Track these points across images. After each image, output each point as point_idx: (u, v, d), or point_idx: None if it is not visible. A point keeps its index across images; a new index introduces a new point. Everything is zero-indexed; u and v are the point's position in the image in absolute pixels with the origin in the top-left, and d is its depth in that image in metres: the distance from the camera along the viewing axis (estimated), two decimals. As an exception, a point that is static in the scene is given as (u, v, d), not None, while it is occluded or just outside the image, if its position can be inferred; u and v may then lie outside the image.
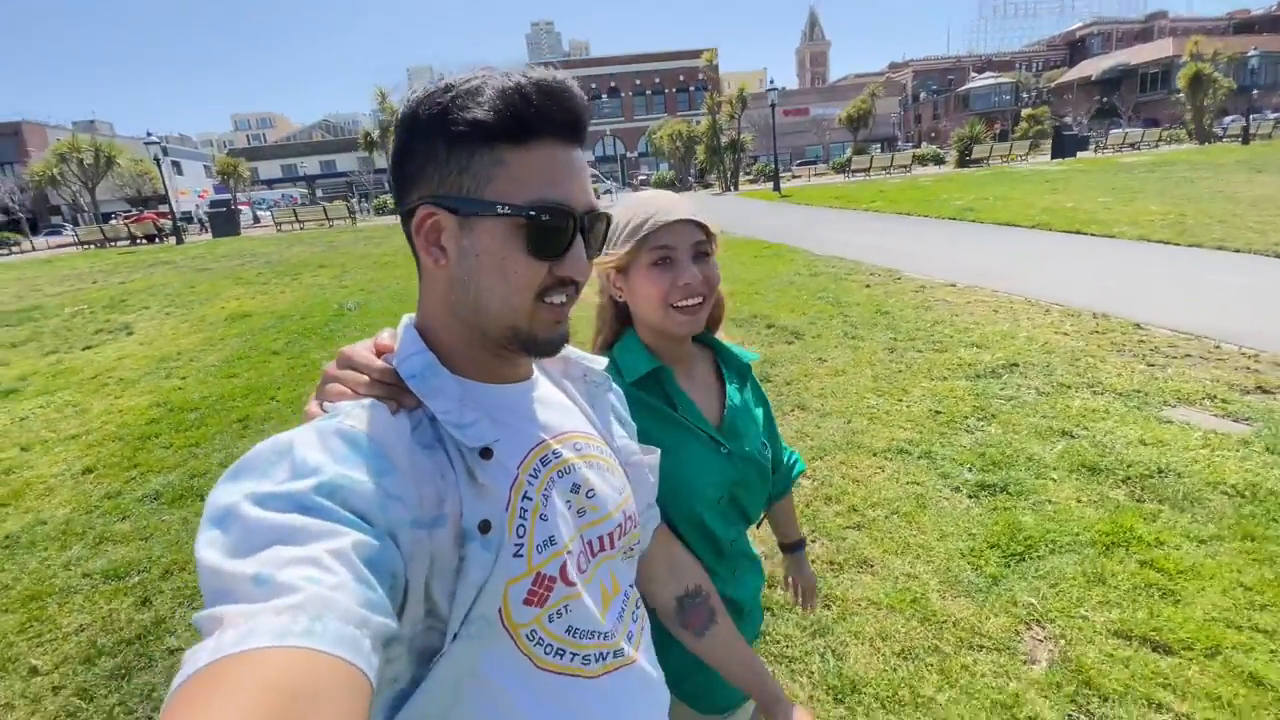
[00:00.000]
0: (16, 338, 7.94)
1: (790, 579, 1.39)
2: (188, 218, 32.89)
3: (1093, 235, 9.55)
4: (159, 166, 19.73)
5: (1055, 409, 3.76)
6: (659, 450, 0.80)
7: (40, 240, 31.64)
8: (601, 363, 0.78)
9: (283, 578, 0.39)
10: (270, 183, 58.96)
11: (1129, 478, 3.02)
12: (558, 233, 0.57)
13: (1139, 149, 28.43)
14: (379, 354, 0.61)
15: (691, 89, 66.37)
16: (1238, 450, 3.19)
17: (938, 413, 3.82)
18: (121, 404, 5.19)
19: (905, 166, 27.94)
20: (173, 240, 20.39)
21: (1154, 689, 1.91)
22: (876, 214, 14.45)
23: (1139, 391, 3.95)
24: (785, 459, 1.26)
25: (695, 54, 66.37)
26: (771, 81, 23.15)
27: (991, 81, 77.26)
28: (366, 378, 0.58)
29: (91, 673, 2.31)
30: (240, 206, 35.01)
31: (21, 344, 7.61)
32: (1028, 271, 7.42)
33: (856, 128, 39.45)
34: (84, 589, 2.82)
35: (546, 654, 0.59)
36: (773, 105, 22.72)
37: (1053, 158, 26.89)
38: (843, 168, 29.59)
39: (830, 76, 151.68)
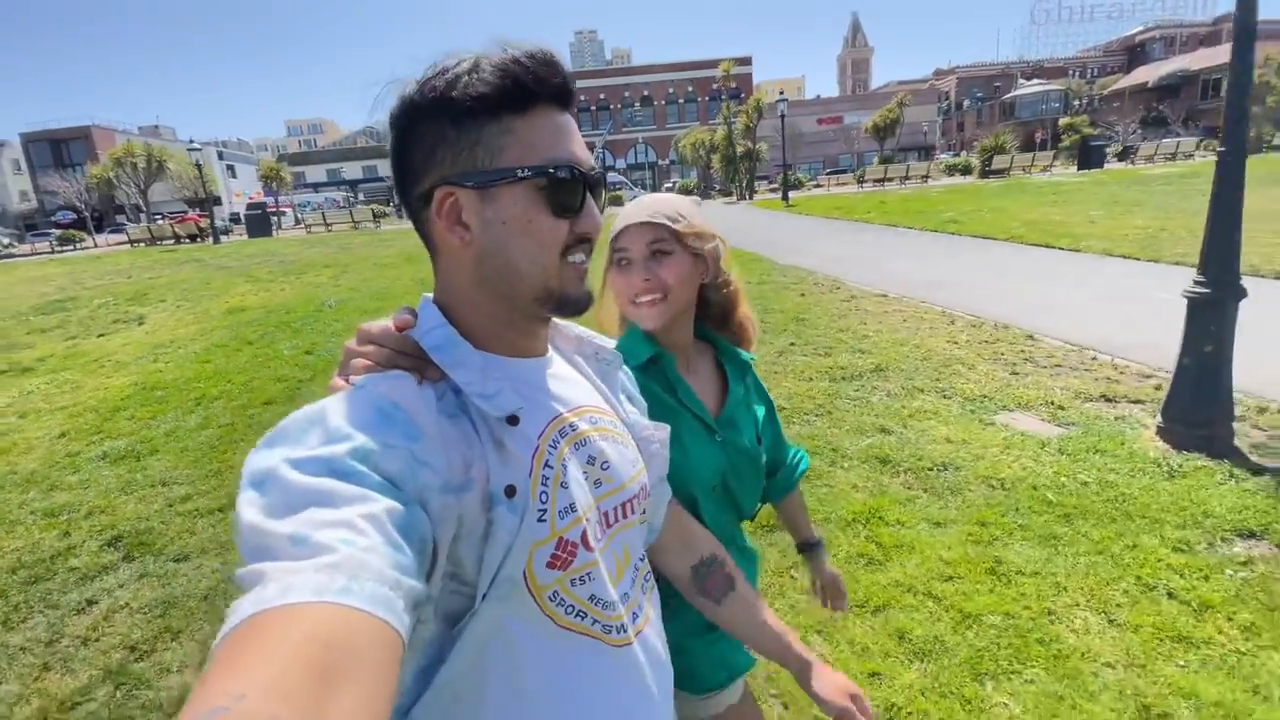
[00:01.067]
0: (48, 325, 8.91)
1: (814, 581, 1.35)
2: (236, 219, 34.86)
3: (1059, 249, 9.63)
4: (199, 171, 21.14)
5: (890, 410, 4.10)
6: (669, 427, 0.82)
7: (103, 238, 33.97)
8: (612, 342, 0.81)
9: (319, 538, 0.41)
10: (316, 186, 61.68)
11: (912, 469, 3.36)
12: (573, 189, 0.60)
13: (1175, 160, 27.54)
14: (399, 330, 0.63)
15: (724, 97, 66.81)
16: (1032, 451, 3.49)
17: (782, 409, 4.20)
18: (109, 383, 5.95)
19: (924, 176, 27.70)
20: (210, 240, 21.80)
21: (810, 633, 2.30)
22: (865, 225, 14.63)
23: (984, 397, 4.24)
24: (789, 457, 1.27)
25: (732, 62, 66.55)
26: (781, 93, 23.43)
27: (1039, 89, 74.88)
28: (389, 350, 0.60)
29: (11, 579, 2.93)
30: (285, 209, 36.90)
31: (50, 330, 8.56)
32: (968, 283, 7.64)
33: (883, 137, 39.18)
34: (26, 521, 3.47)
35: (568, 614, 0.61)
36: (782, 116, 22.99)
37: (1079, 169, 26.29)
38: (861, 178, 29.55)
39: (872, 84, 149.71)
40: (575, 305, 0.64)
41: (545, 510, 0.59)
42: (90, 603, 2.76)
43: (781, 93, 23.24)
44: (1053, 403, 4.09)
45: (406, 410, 0.53)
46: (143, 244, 23.06)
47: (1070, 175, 24.30)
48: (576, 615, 0.61)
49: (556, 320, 0.71)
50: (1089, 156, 25.95)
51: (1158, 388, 4.15)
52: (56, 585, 2.88)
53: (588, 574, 0.62)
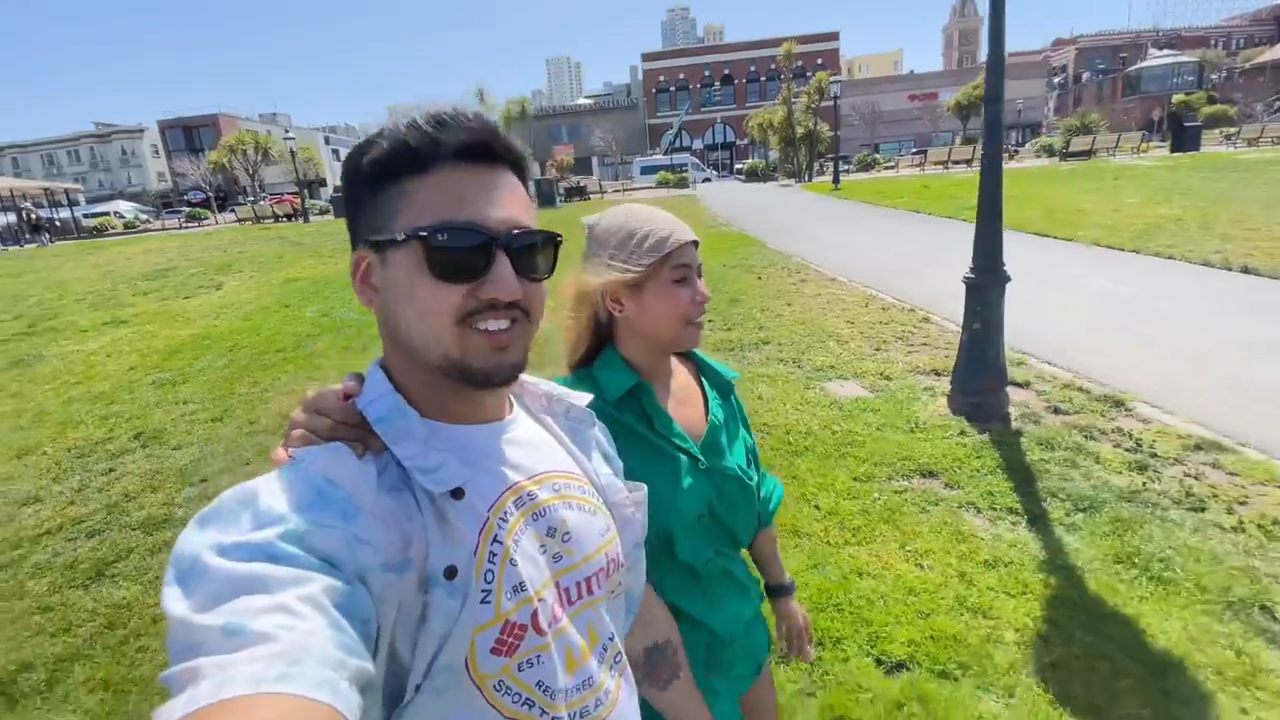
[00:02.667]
0: (150, 288, 10.92)
1: (780, 627, 1.27)
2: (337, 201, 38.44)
3: (1052, 238, 9.58)
4: (293, 157, 23.78)
5: (739, 372, 4.82)
6: (645, 487, 0.78)
7: (224, 216, 38.38)
8: (585, 399, 0.77)
9: (254, 627, 0.39)
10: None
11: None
12: (464, 252, 0.57)
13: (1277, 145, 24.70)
14: (346, 398, 0.61)
15: (809, 74, 64.90)
16: (823, 408, 4.15)
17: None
18: (177, 333, 7.55)
19: (965, 160, 26.30)
20: (301, 220, 24.49)
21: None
22: (891, 210, 14.63)
23: (829, 367, 4.87)
24: (764, 488, 1.19)
25: (815, 38, 64.46)
26: (836, 76, 22.99)
27: (1169, 60, 67.26)
28: (330, 421, 0.58)
29: (65, 454, 4.33)
30: None
31: (150, 293, 10.53)
32: (922, 270, 7.96)
33: (967, 115, 37.19)
34: (87, 421, 4.91)
35: (515, 704, 0.57)
36: (835, 98, 22.66)
37: (1173, 151, 24.16)
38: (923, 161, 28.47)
39: (981, 56, 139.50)
40: (484, 378, 0.60)
41: (490, 590, 0.56)
42: (110, 470, 4.08)
43: (835, 74, 22.97)
44: (884, 374, 4.66)
45: (343, 487, 0.52)
46: (249, 222, 26.25)
47: (1156, 159, 22.50)
48: (524, 704, 0.57)
49: (524, 378, 0.68)
50: (1183, 138, 23.80)
51: (992, 365, 4.60)
52: (94, 459, 4.24)
53: (536, 657, 0.58)
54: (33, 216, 24.46)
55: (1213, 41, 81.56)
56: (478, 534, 0.57)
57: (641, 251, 0.94)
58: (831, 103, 22.87)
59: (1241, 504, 2.89)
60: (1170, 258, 7.81)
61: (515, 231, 0.59)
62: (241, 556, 0.44)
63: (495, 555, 0.57)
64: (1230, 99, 47.88)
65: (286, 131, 24.19)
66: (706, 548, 1.00)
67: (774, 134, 28.85)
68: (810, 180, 27.19)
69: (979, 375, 3.89)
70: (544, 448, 0.69)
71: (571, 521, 0.65)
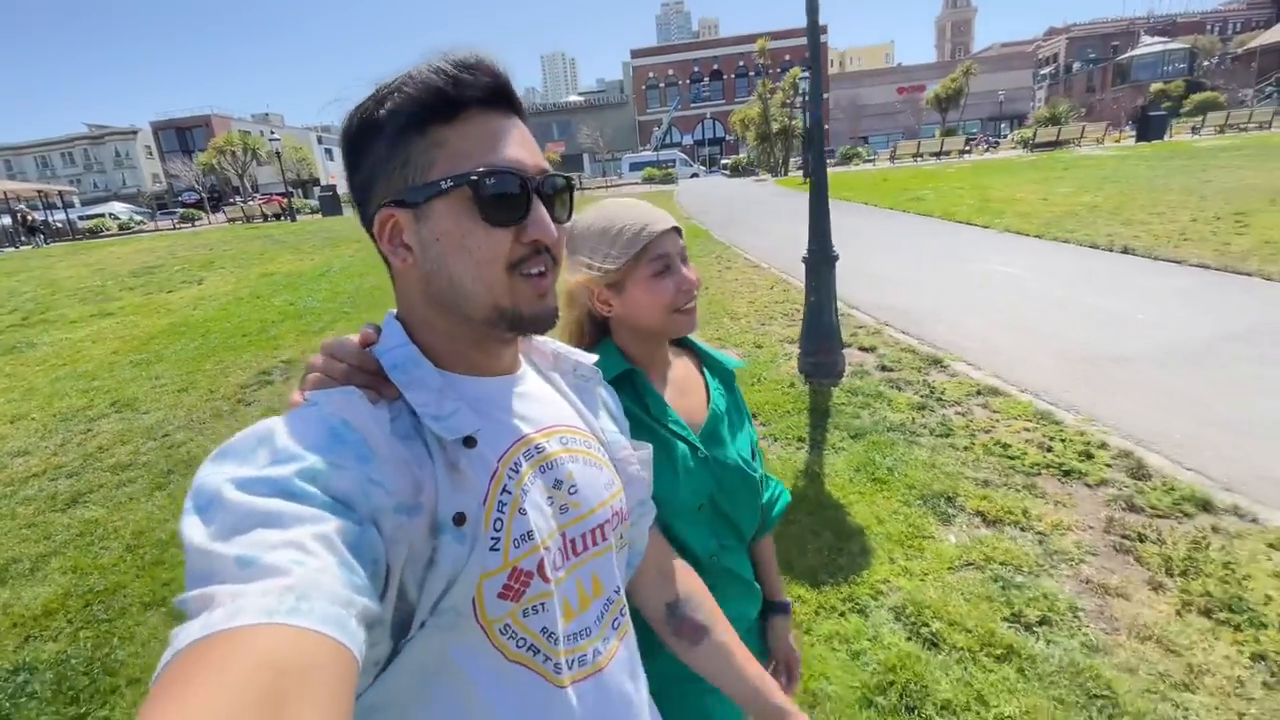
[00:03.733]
0: (136, 284, 11.64)
1: (769, 649, 1.15)
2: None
3: (972, 225, 10.31)
4: (278, 159, 24.46)
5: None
6: (650, 446, 0.79)
7: (217, 216, 39.04)
8: (591, 357, 0.77)
9: (268, 560, 0.40)
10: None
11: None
12: (510, 196, 0.57)
13: (1246, 130, 25.34)
14: (363, 346, 0.62)
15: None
16: (696, 370, 4.87)
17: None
18: (157, 322, 8.28)
19: (965, 151, 27.04)
20: (288, 219, 25.18)
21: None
22: (843, 203, 15.32)
23: (716, 339, 5.59)
24: (767, 492, 1.12)
25: (801, 32, 64.72)
26: (803, 73, 23.64)
27: (1159, 48, 67.67)
28: (346, 366, 0.59)
29: (53, 419, 5.06)
30: None
31: (136, 288, 11.24)
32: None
33: (946, 108, 37.82)
34: (72, 394, 5.65)
35: (519, 648, 0.58)
36: (804, 96, 23.30)
37: (1139, 140, 24.82)
38: (894, 155, 29.19)
39: (975, 47, 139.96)
40: (534, 324, 0.61)
41: (499, 538, 0.57)
42: (88, 430, 4.82)
43: (801, 67, 23.61)
44: (758, 344, 5.39)
45: (358, 430, 0.53)
46: (239, 222, 26.95)
47: (1115, 149, 23.16)
48: (528, 649, 0.59)
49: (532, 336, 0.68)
50: (1148, 127, 24.45)
51: (852, 335, 5.34)
52: (74, 423, 4.98)
53: (541, 604, 0.59)
54: (28, 219, 25.15)
55: (1209, 26, 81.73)
56: (488, 483, 0.58)
57: (617, 249, 0.94)
58: (801, 99, 23.52)
59: (985, 432, 3.62)
60: (1065, 241, 8.54)
61: (544, 175, 0.60)
62: (259, 491, 0.45)
63: (504, 504, 0.58)
64: (1217, 85, 48.36)
65: (272, 132, 24.78)
66: (711, 539, 0.99)
67: (750, 130, 29.46)
68: (786, 174, 27.85)
69: (816, 339, 4.61)
70: (551, 402, 0.70)
71: (578, 474, 0.66)
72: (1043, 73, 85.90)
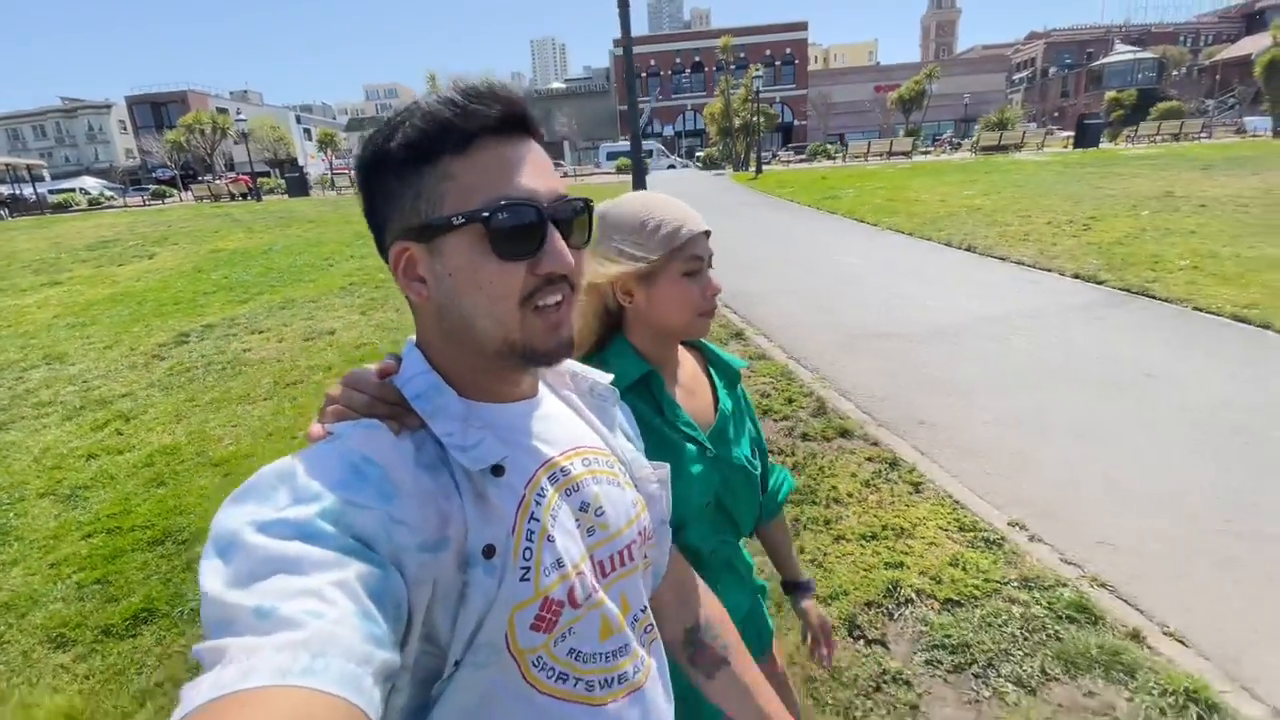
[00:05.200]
0: (90, 257, 12.31)
1: (802, 627, 1.25)
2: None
3: (863, 222, 11.36)
4: (246, 139, 24.94)
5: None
6: (668, 466, 0.79)
7: (189, 194, 39.06)
8: (608, 377, 0.77)
9: (285, 611, 0.40)
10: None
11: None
12: (523, 228, 0.56)
13: (1178, 140, 26.71)
14: (383, 376, 0.61)
15: (778, 63, 66.20)
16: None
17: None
18: (99, 292, 9.04)
19: (906, 153, 28.12)
20: (254, 199, 25.67)
21: (305, 394, 4.81)
22: (772, 198, 16.33)
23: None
24: (772, 479, 1.20)
25: (783, 28, 65.63)
26: (759, 71, 24.54)
27: (1129, 57, 69.53)
28: (368, 397, 0.59)
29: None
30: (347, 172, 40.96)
31: (88, 261, 11.92)
32: (736, 248, 9.63)
33: (909, 109, 38.90)
34: (10, 350, 6.46)
35: (549, 679, 0.58)
36: (758, 92, 24.24)
37: (1075, 146, 26.07)
38: (826, 153, 30.43)
39: (958, 47, 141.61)
40: (547, 357, 0.60)
41: (529, 568, 0.56)
42: (19, 378, 5.65)
43: (755, 65, 24.45)
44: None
45: (381, 465, 0.52)
46: (206, 200, 27.33)
47: (1045, 155, 24.38)
48: (558, 679, 0.58)
49: None
50: (1085, 134, 25.69)
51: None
52: (9, 372, 5.81)
53: (570, 630, 0.59)
54: (-7, 191, 25.36)
55: (1182, 37, 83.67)
56: (515, 511, 0.57)
57: (653, 242, 0.94)
58: (754, 98, 24.46)
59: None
60: (926, 239, 9.58)
61: (559, 201, 0.59)
62: (279, 534, 0.45)
63: (533, 533, 0.58)
64: (1179, 95, 49.86)
65: (239, 111, 25.25)
66: (712, 535, 1.03)
67: (713, 124, 30.32)
68: (745, 169, 28.79)
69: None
70: (571, 423, 0.70)
71: (603, 496, 0.65)
72: (1020, 76, 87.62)
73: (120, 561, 2.97)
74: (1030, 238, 8.98)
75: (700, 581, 0.87)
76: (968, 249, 8.74)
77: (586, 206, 0.63)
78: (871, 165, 25.25)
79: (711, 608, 0.86)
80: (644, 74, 65.14)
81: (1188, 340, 5.13)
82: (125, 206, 29.84)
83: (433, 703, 0.53)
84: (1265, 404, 3.91)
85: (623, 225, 0.97)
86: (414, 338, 0.64)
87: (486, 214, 0.55)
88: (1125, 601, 2.44)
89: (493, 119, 0.56)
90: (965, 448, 3.62)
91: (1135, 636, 2.23)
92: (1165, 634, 2.27)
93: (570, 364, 0.75)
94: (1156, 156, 19.88)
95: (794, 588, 1.26)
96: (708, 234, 0.99)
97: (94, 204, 32.76)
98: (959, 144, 37.51)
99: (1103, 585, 2.51)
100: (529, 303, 0.58)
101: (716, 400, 1.09)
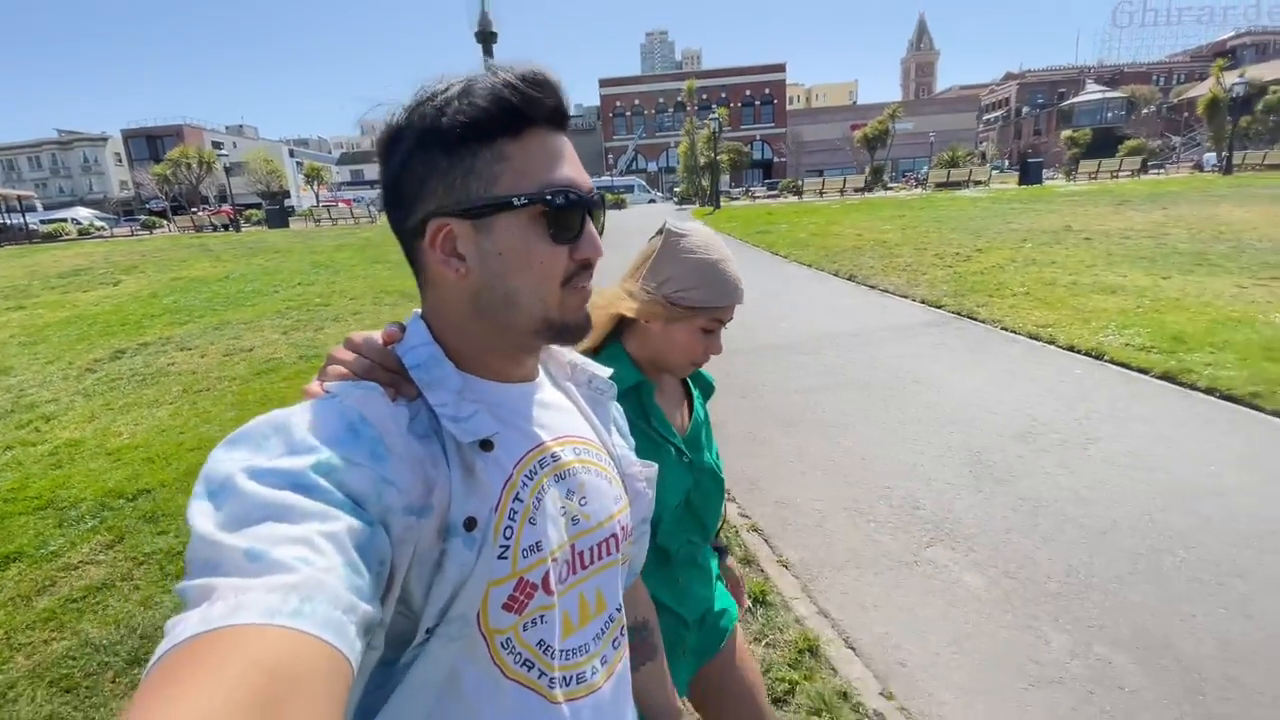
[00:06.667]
0: (60, 284, 13.11)
1: (725, 579, 1.38)
2: (291, 210, 40.64)
3: (776, 254, 12.34)
4: (229, 174, 26.06)
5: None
6: (656, 466, 0.81)
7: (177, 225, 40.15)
8: (607, 371, 0.79)
9: (276, 555, 0.40)
10: (373, 183, 68.26)
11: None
12: (571, 214, 0.59)
13: (1117, 177, 28.21)
14: (387, 343, 0.62)
15: (758, 102, 68.78)
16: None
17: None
18: (58, 315, 9.82)
19: (868, 189, 29.48)
20: (234, 229, 26.67)
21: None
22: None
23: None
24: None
25: (763, 69, 68.28)
26: (713, 116, 25.96)
27: (1099, 96, 72.61)
28: (369, 361, 0.60)
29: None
30: (342, 204, 42.26)
31: (59, 287, 12.72)
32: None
33: (874, 147, 40.54)
34: (-40, 364, 7.22)
35: (515, 664, 0.58)
36: (715, 134, 25.64)
37: (1020, 183, 27.48)
38: (793, 188, 31.93)
39: (937, 87, 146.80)
40: (576, 333, 0.63)
41: (508, 547, 0.58)
42: (-37, 385, 6.39)
43: (715, 108, 25.93)
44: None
45: (375, 425, 0.53)
46: (188, 230, 28.32)
47: (994, 191, 25.71)
48: (524, 665, 0.59)
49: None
50: (1028, 172, 27.15)
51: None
52: None
53: (541, 616, 0.60)
54: (-19, 222, 26.23)
55: (1155, 77, 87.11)
56: (501, 489, 0.59)
57: (697, 296, 1.01)
58: (715, 138, 25.87)
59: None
60: (820, 269, 10.52)
61: (593, 194, 0.62)
62: (272, 482, 0.45)
63: (516, 512, 0.59)
64: (1141, 133, 51.92)
65: (233, 146, 26.48)
66: (681, 534, 1.11)
67: (680, 163, 31.73)
68: (708, 205, 30.09)
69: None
70: (567, 412, 0.71)
71: (589, 485, 0.67)
72: (994, 115, 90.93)
73: (7, 522, 3.70)
74: (910, 268, 9.90)
75: (643, 586, 0.93)
76: (849, 278, 9.66)
77: (603, 200, 0.65)
78: (826, 201, 26.54)
79: (649, 610, 0.93)
80: (628, 113, 67.56)
81: (974, 352, 5.99)
82: (112, 236, 30.80)
83: (401, 672, 0.53)
84: (1007, 402, 4.73)
85: (681, 270, 1.03)
86: (419, 310, 0.65)
87: (549, 196, 0.58)
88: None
89: (547, 109, 0.58)
90: (726, 435, 4.42)
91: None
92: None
93: (572, 355, 0.77)
94: (1085, 193, 21.11)
95: (715, 551, 1.36)
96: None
97: (84, 234, 33.67)
98: (920, 180, 39.13)
99: (756, 529, 3.30)
100: (566, 283, 0.61)
101: (690, 409, 1.18)
